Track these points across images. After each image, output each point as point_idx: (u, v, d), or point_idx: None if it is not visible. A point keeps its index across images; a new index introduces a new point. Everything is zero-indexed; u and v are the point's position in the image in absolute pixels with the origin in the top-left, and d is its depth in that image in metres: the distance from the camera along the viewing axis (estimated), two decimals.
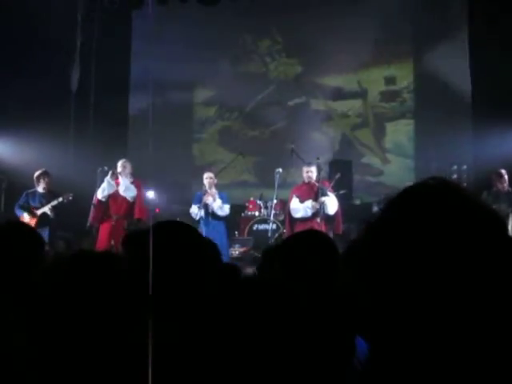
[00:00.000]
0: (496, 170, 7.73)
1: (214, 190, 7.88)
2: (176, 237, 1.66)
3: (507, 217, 7.00)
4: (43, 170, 7.98)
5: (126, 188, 7.75)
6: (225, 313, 1.26)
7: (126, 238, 1.82)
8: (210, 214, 7.84)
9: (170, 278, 1.56)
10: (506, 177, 7.55)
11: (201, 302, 1.56)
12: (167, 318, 1.52)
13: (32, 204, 7.87)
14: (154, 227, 1.73)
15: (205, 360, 1.28)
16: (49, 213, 7.79)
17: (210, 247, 1.73)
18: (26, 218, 7.65)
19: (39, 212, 7.78)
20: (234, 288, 1.37)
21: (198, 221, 7.85)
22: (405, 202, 0.92)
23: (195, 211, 7.89)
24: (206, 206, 7.83)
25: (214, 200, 7.80)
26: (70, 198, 7.90)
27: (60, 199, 7.85)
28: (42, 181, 7.90)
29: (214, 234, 7.57)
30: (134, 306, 1.53)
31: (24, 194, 7.93)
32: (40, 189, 7.91)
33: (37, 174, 7.91)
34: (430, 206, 0.88)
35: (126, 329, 1.50)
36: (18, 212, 7.82)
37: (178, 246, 1.63)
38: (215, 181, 8.06)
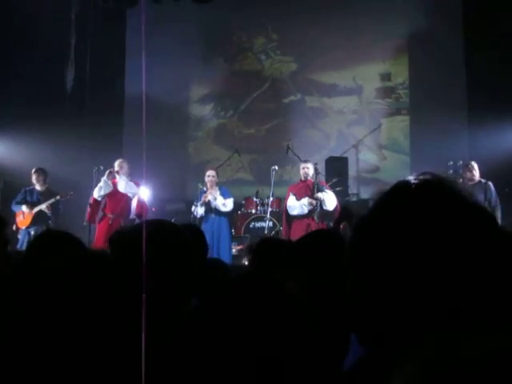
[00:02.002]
0: (465, 162, 7.88)
1: (215, 189, 7.84)
2: (158, 236, 1.66)
3: None
4: (40, 167, 8.00)
5: (127, 185, 7.75)
6: (214, 310, 1.26)
7: (111, 237, 1.82)
8: (213, 211, 7.80)
9: (151, 277, 1.56)
10: (476, 166, 7.61)
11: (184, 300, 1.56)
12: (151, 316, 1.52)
13: (29, 200, 7.89)
14: (137, 227, 1.74)
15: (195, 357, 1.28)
16: (46, 211, 7.79)
17: (194, 246, 1.72)
18: (24, 209, 7.70)
19: (36, 210, 7.79)
20: (226, 284, 1.37)
21: (200, 219, 7.84)
22: (396, 198, 0.91)
23: (193, 209, 7.90)
24: (207, 204, 7.80)
25: (215, 199, 7.74)
26: (69, 196, 7.93)
27: (58, 197, 7.87)
28: (38, 178, 7.92)
29: (218, 230, 7.56)
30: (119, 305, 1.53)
31: (22, 191, 7.97)
32: (38, 186, 7.94)
33: (33, 171, 7.95)
34: (421, 202, 0.87)
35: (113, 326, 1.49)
36: (15, 208, 7.82)
37: (159, 246, 1.63)
38: (217, 179, 8.04)
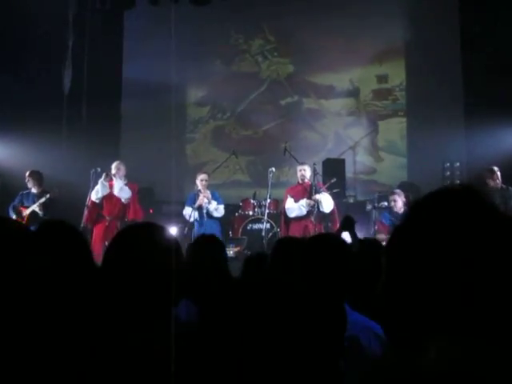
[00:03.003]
0: (488, 167, 7.69)
1: (208, 192, 7.83)
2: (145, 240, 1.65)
3: None
4: (33, 169, 7.97)
5: (121, 190, 7.74)
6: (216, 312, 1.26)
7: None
8: (205, 215, 7.78)
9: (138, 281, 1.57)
10: (499, 173, 7.50)
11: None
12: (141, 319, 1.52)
13: (26, 204, 7.87)
14: (124, 230, 1.74)
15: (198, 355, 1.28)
16: (37, 210, 7.77)
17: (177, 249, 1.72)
18: (15, 217, 7.67)
19: (28, 211, 7.77)
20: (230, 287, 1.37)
21: (192, 222, 7.80)
22: (431, 207, 0.94)
23: (189, 212, 7.81)
24: (200, 207, 7.77)
25: (210, 202, 7.73)
26: (57, 191, 7.90)
27: (47, 195, 7.84)
28: (32, 181, 7.90)
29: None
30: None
31: (19, 195, 7.94)
32: (33, 189, 7.92)
33: (27, 174, 7.91)
34: (456, 211, 0.90)
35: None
36: (10, 214, 7.82)
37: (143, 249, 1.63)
38: (208, 182, 8.02)
